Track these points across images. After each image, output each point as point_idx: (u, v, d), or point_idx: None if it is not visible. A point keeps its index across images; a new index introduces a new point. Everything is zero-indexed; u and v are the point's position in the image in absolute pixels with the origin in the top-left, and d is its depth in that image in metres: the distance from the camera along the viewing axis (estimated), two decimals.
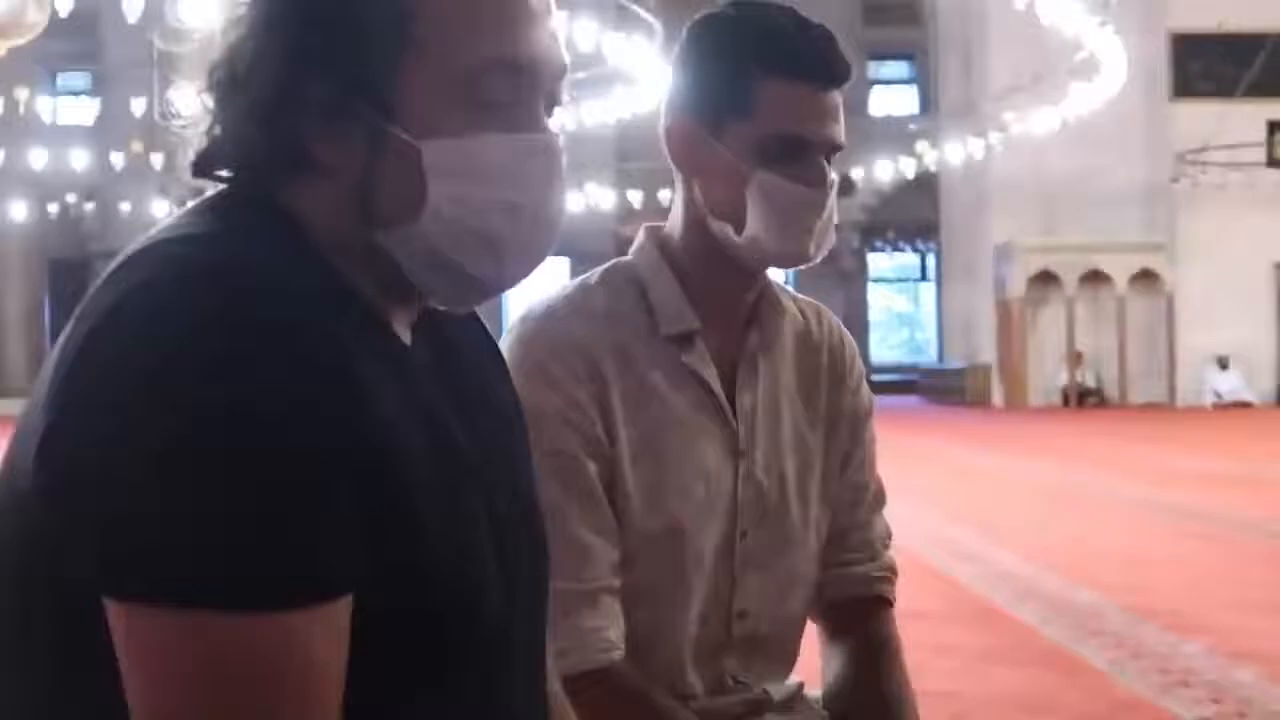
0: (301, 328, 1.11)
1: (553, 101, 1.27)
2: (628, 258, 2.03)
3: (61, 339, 1.15)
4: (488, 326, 1.46)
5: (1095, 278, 27.98)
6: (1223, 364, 27.31)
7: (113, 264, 1.18)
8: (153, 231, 1.21)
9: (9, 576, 1.14)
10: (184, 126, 1.27)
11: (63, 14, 15.46)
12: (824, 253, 1.96)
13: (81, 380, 1.10)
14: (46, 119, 26.31)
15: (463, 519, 1.21)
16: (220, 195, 1.25)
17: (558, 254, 1.36)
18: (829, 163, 1.93)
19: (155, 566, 1.05)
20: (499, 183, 1.23)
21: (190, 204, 1.25)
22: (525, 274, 1.28)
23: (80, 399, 1.09)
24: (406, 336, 1.28)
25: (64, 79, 34.23)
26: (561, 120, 1.32)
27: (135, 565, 1.06)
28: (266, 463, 1.07)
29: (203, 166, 1.25)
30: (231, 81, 1.22)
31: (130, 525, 1.06)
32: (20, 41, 15.11)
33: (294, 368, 1.09)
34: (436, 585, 1.17)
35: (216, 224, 1.20)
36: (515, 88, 1.23)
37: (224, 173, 1.25)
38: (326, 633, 1.10)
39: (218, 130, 1.24)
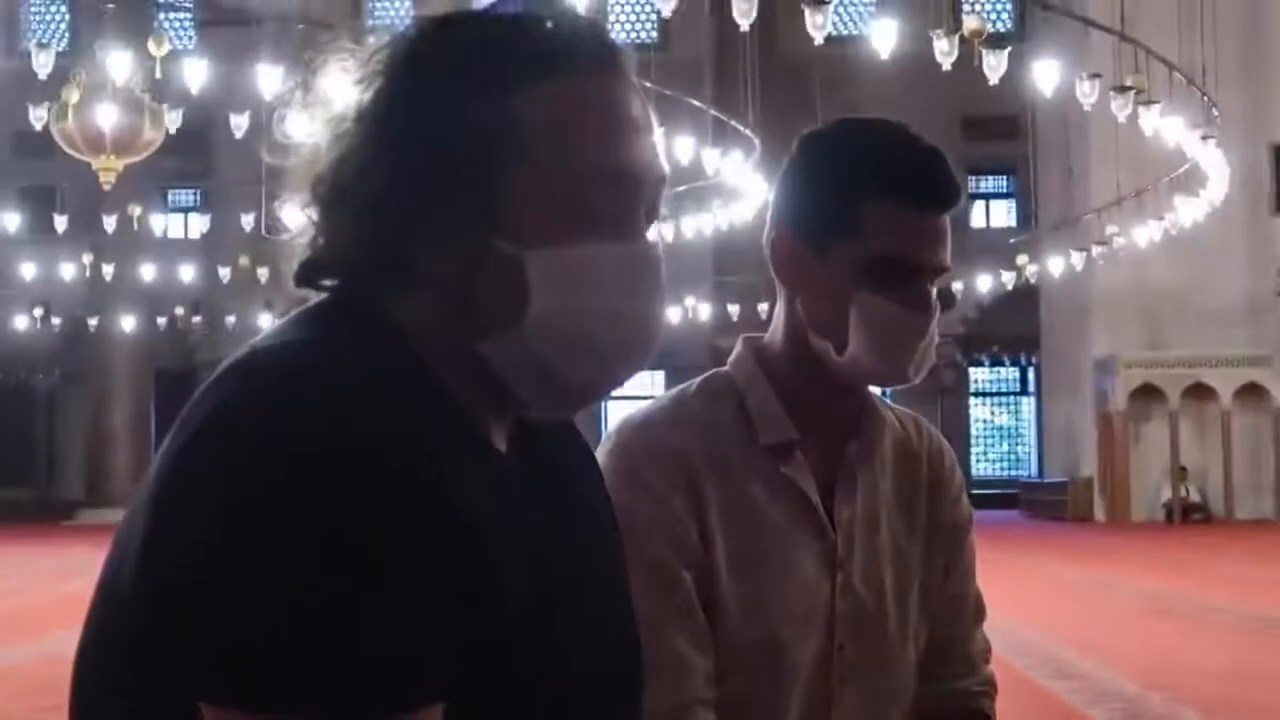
0: (397, 441, 1.12)
1: (652, 211, 1.28)
2: (725, 368, 2.02)
3: (163, 447, 1.16)
4: (585, 436, 1.46)
5: (1199, 391, 27.62)
6: None
7: (215, 372, 1.19)
8: (255, 340, 1.23)
9: (111, 678, 1.15)
10: (290, 238, 1.28)
11: (172, 130, 15.84)
12: (924, 374, 1.94)
13: (178, 489, 1.11)
14: (157, 234, 26.91)
15: (556, 630, 1.21)
16: (322, 304, 1.26)
17: (653, 366, 1.36)
18: (933, 285, 1.91)
19: (250, 673, 1.06)
20: (602, 291, 1.23)
21: (293, 312, 1.27)
22: (624, 381, 1.28)
23: (177, 508, 1.11)
24: (503, 445, 1.28)
25: (174, 195, 34.93)
26: (660, 232, 1.33)
27: (231, 672, 1.06)
28: (361, 572, 1.07)
29: (306, 276, 1.27)
30: (336, 193, 1.23)
31: (226, 633, 1.06)
32: (136, 158, 15.49)
33: (388, 482, 1.10)
34: (527, 696, 1.17)
35: (316, 333, 1.21)
36: (618, 197, 1.24)
37: (327, 282, 1.26)
38: None
39: (321, 241, 1.25)
